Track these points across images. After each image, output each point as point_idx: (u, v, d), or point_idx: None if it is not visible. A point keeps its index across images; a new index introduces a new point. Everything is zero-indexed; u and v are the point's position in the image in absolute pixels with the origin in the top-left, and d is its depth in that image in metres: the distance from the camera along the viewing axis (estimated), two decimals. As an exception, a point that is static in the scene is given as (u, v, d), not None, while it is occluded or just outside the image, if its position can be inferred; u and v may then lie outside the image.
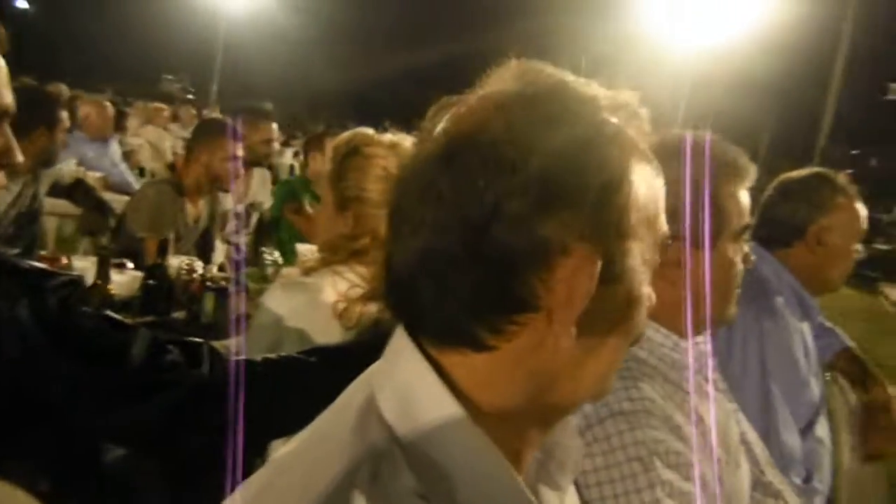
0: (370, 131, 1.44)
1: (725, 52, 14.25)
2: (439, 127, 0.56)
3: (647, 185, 0.57)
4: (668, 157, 1.01)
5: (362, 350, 0.68)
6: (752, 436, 1.17)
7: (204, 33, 22.69)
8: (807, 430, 1.53)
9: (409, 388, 0.56)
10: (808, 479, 1.49)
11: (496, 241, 0.51)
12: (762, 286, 1.55)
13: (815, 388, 1.57)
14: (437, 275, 0.53)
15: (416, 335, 0.57)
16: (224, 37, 22.43)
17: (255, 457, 0.95)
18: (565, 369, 0.56)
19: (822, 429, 1.59)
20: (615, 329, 0.58)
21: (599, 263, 0.54)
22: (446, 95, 0.59)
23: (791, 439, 1.42)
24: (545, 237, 0.52)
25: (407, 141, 1.35)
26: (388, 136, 1.40)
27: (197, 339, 1.04)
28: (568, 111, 0.55)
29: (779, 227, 1.59)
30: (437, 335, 0.56)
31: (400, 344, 0.58)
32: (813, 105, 16.10)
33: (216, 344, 1.06)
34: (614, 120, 0.56)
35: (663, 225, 0.60)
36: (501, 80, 0.59)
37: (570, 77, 0.58)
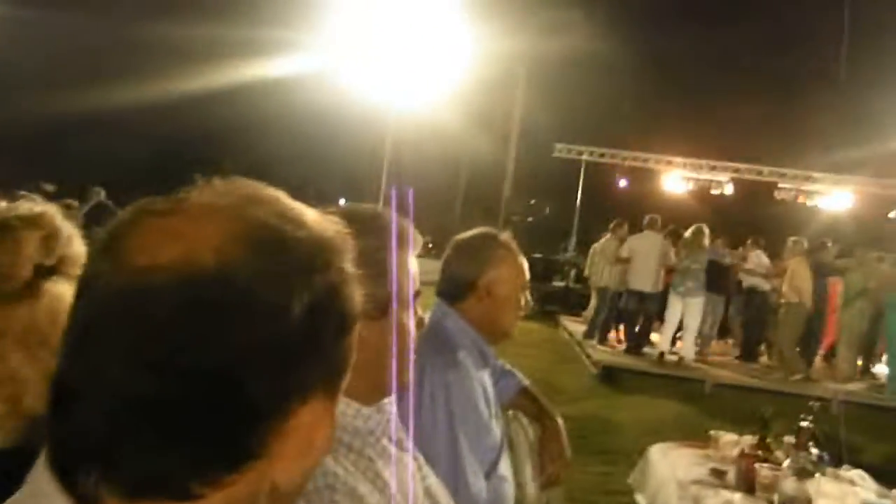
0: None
1: (424, 114, 15.43)
2: (151, 245, 0.48)
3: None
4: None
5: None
6: (439, 488, 1.23)
7: None
8: (491, 470, 1.66)
9: None
10: (495, 517, 1.61)
11: (231, 389, 0.47)
12: (447, 341, 1.68)
13: (496, 431, 1.72)
14: (145, 419, 0.46)
15: (78, 474, 0.47)
16: None
17: None
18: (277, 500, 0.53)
19: (504, 466, 1.74)
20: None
21: (333, 406, 0.53)
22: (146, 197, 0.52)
23: (477, 484, 1.54)
24: (288, 386, 0.50)
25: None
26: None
27: None
28: (305, 259, 0.52)
29: (455, 282, 1.74)
30: (125, 484, 0.47)
31: (44, 487, 0.48)
32: (498, 161, 18.13)
33: None
34: (346, 266, 0.56)
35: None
36: (215, 196, 0.53)
37: (285, 209, 0.55)
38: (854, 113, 17.44)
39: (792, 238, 9.15)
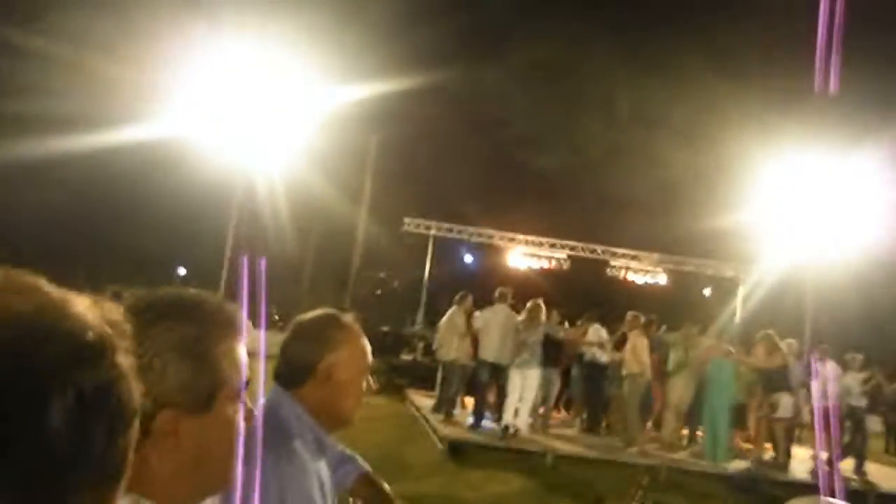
0: None
1: (275, 181, 15.23)
2: None
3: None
4: (156, 317, 0.95)
5: None
6: None
7: None
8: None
9: None
10: None
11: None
12: (282, 430, 1.57)
13: (332, 526, 1.62)
14: None
15: None
16: None
17: None
18: None
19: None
20: None
21: None
22: None
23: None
24: (45, 497, 0.47)
25: None
26: None
27: None
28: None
29: (294, 366, 1.65)
30: None
31: None
32: (348, 232, 18.12)
33: None
34: (119, 360, 0.52)
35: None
36: None
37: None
38: (681, 196, 19.26)
39: (631, 312, 9.77)
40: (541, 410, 9.78)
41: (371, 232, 17.64)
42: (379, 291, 14.17)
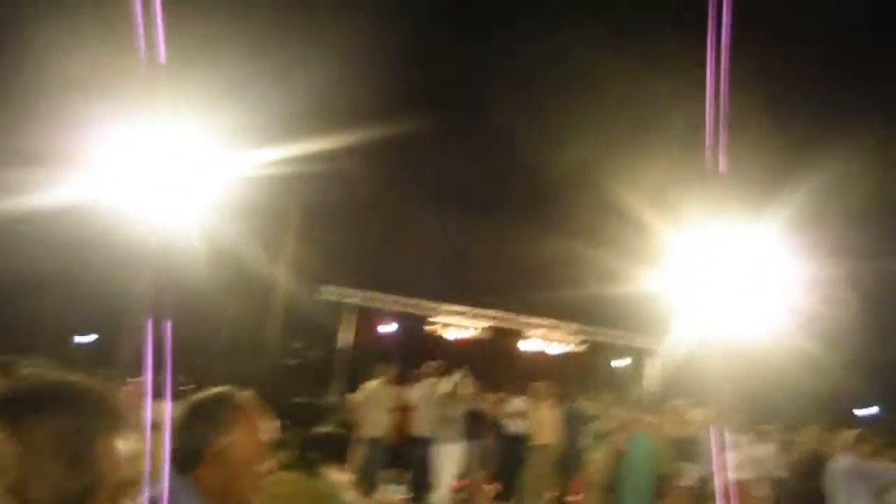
0: None
1: (187, 244, 14.79)
2: None
3: None
4: (29, 408, 0.89)
5: None
6: None
7: None
8: None
9: None
10: None
11: None
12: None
13: None
14: None
15: None
16: None
17: None
18: None
19: None
20: None
21: None
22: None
23: None
24: None
25: None
26: None
27: None
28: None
29: (186, 450, 1.58)
30: None
31: None
32: (265, 299, 17.69)
33: None
34: None
35: None
36: None
37: None
38: (590, 267, 19.78)
39: (536, 383, 9.85)
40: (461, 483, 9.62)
41: (290, 298, 17.28)
42: (294, 361, 13.80)
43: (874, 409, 26.96)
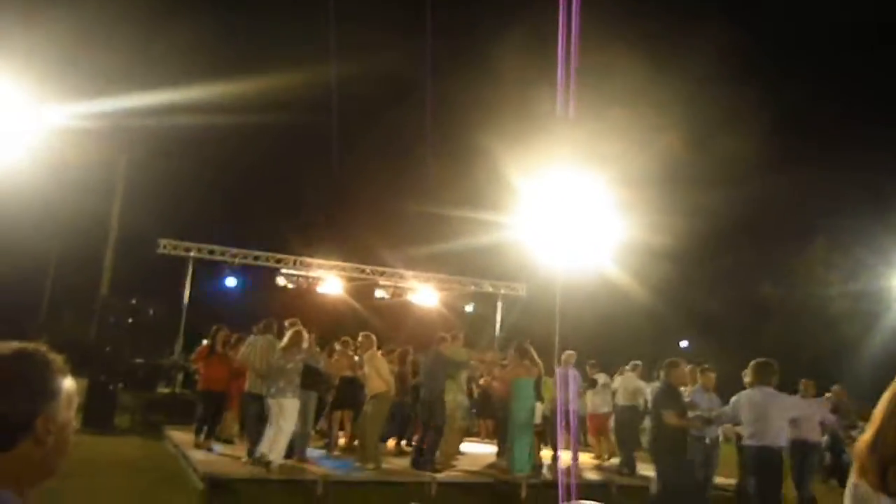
0: None
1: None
2: None
3: None
4: None
5: None
6: None
7: None
8: None
9: None
10: None
11: None
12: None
13: None
14: None
15: None
16: None
17: None
18: None
19: None
20: None
21: None
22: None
23: None
24: None
25: None
26: None
27: None
28: None
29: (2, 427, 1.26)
30: None
31: None
32: (95, 255, 16.29)
33: None
34: None
35: None
36: None
37: None
38: (444, 217, 19.98)
39: (363, 333, 9.90)
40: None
41: (122, 254, 15.98)
42: (131, 319, 12.85)
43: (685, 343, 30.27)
